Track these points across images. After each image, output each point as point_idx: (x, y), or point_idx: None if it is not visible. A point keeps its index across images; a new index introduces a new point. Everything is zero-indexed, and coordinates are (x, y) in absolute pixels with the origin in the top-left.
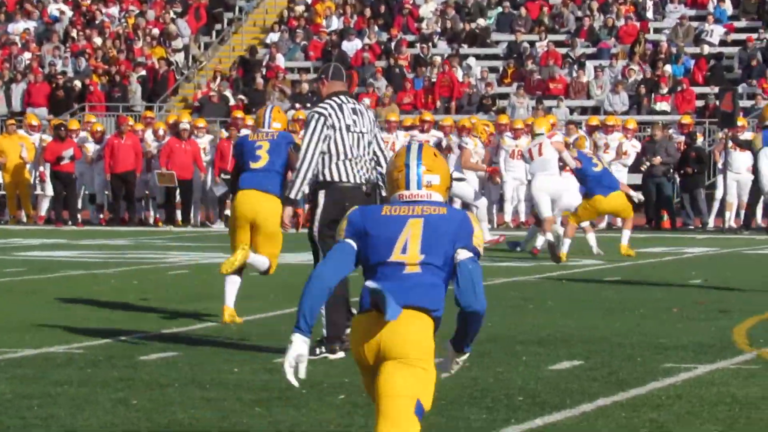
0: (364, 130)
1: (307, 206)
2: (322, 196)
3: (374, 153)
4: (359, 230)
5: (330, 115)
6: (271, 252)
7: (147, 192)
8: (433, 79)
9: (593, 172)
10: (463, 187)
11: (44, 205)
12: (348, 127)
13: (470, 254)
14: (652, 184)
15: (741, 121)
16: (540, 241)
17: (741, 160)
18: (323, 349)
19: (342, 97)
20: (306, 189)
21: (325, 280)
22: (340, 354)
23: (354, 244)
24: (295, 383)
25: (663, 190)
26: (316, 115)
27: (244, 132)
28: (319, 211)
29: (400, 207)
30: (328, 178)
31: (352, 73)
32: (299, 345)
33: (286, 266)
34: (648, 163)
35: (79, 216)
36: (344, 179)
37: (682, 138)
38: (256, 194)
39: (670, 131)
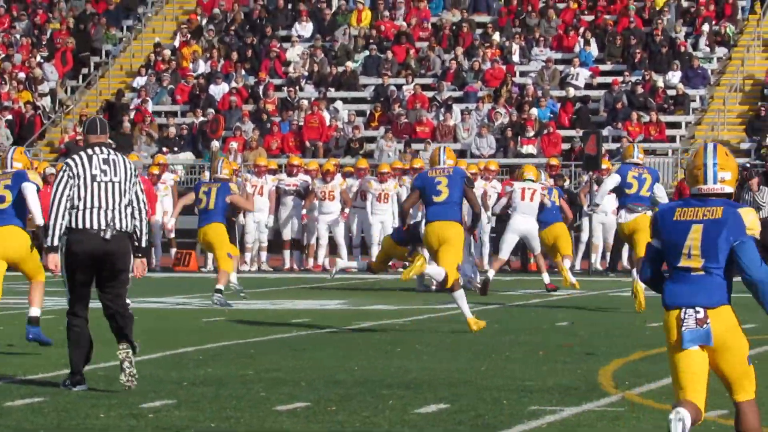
0: (116, 179)
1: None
2: (64, 242)
3: (130, 201)
4: (658, 234)
5: (76, 165)
6: None
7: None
8: (301, 123)
9: None
10: None
11: None
12: (94, 177)
13: (747, 238)
14: None
15: (605, 164)
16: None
17: (606, 202)
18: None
19: (96, 148)
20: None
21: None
22: (82, 387)
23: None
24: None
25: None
26: (64, 166)
27: None
28: (62, 257)
29: (688, 209)
30: (73, 226)
31: (218, 117)
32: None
33: (152, 311)
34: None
35: None
36: (84, 226)
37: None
38: None
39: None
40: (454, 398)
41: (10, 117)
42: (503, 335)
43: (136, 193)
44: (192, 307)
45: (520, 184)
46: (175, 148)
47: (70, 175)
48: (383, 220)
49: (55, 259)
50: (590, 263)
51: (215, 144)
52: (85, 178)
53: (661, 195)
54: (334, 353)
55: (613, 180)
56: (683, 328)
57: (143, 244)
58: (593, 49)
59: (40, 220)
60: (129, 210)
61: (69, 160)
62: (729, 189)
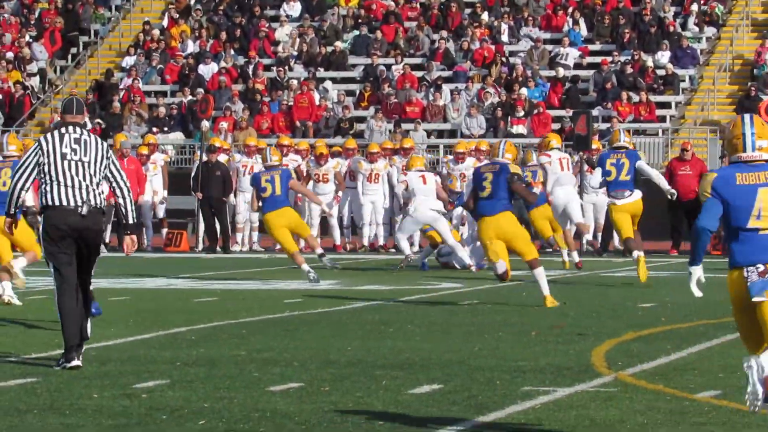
0: (86, 159)
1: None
2: (41, 219)
3: (108, 178)
4: (721, 197)
5: (47, 143)
6: None
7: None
8: (290, 103)
9: None
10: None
11: None
12: (64, 155)
13: None
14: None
15: (595, 144)
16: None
17: (596, 182)
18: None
19: (70, 127)
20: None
21: (706, 227)
22: (76, 362)
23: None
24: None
25: (522, 214)
26: (36, 143)
27: None
28: (41, 232)
29: (748, 174)
30: (49, 203)
31: (208, 97)
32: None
33: (144, 291)
34: None
35: None
36: (60, 203)
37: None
38: None
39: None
40: (447, 379)
41: None
42: (495, 315)
43: (111, 172)
44: (184, 287)
45: (557, 154)
46: (165, 128)
47: (40, 152)
48: (374, 200)
49: (8, 222)
50: (581, 243)
51: (205, 124)
52: (55, 157)
53: (646, 169)
54: (327, 334)
55: (598, 171)
56: (747, 282)
57: (131, 221)
58: (582, 29)
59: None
60: (101, 188)
61: (41, 138)
62: (766, 156)
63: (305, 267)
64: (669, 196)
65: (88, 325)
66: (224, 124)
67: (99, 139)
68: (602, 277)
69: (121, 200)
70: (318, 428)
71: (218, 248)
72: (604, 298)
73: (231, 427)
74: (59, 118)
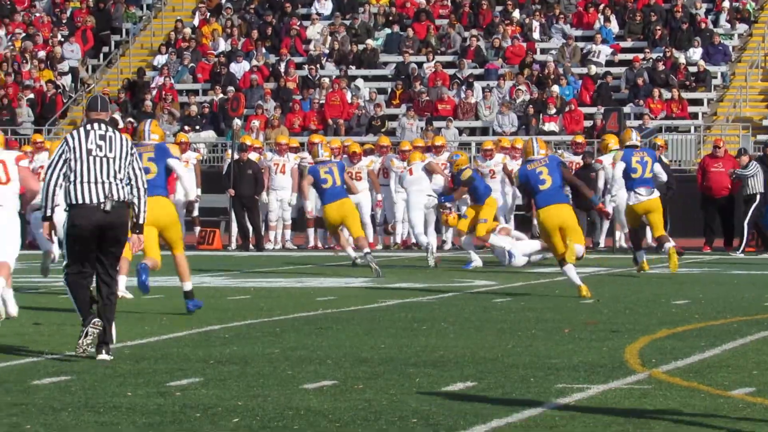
0: (111, 155)
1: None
2: (65, 217)
3: (128, 176)
4: None
5: (73, 139)
6: None
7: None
8: (322, 101)
9: None
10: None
11: None
12: (90, 152)
13: None
14: None
15: None
16: None
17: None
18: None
19: (95, 124)
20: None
21: None
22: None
23: None
24: None
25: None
26: (63, 141)
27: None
28: (62, 230)
29: None
30: (72, 201)
31: (239, 95)
32: None
33: (177, 290)
34: None
35: None
36: (83, 201)
37: (576, 158)
38: None
39: (560, 151)
40: (480, 376)
41: (31, 96)
42: (528, 313)
43: (133, 169)
44: (217, 285)
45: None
46: (197, 127)
47: (66, 149)
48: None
49: (48, 227)
50: (614, 241)
51: (237, 122)
52: (81, 153)
53: (659, 171)
54: (360, 331)
55: (620, 167)
56: None
57: (141, 221)
58: (614, 26)
59: (193, 195)
60: (125, 183)
61: (68, 135)
62: None
63: (353, 254)
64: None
65: (113, 330)
66: (256, 123)
67: (123, 136)
68: (635, 274)
69: (135, 200)
70: (351, 426)
71: (251, 246)
72: (637, 294)
73: (265, 425)
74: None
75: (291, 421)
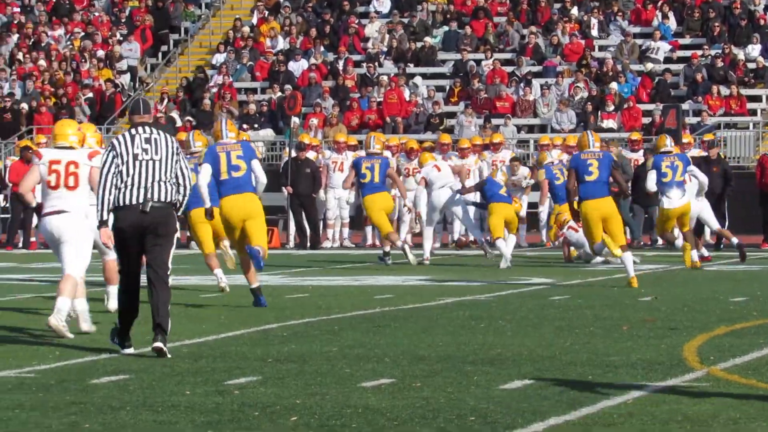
0: (156, 157)
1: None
2: (111, 219)
3: (175, 176)
4: None
5: (119, 145)
6: None
7: None
8: (380, 99)
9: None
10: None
11: None
12: (136, 156)
13: None
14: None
15: (686, 138)
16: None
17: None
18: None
19: (139, 128)
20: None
21: None
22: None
23: None
24: None
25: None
26: (109, 145)
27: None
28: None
29: None
30: (119, 204)
31: (296, 94)
32: None
33: (234, 288)
34: None
35: (32, 239)
36: (123, 203)
37: (634, 155)
38: None
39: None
40: (538, 374)
41: (90, 95)
42: (586, 310)
43: (180, 169)
44: (275, 283)
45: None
46: (255, 125)
47: (115, 154)
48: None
49: (106, 233)
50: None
51: (295, 121)
52: (127, 158)
53: (698, 173)
54: (418, 329)
55: (652, 175)
56: None
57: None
58: (672, 23)
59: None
60: (171, 182)
61: (114, 140)
62: None
63: (401, 245)
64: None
65: (168, 320)
66: (314, 121)
67: (168, 137)
68: (693, 272)
69: (180, 198)
70: (409, 424)
71: (308, 244)
72: (695, 292)
73: (323, 423)
74: (160, 116)
75: (349, 419)
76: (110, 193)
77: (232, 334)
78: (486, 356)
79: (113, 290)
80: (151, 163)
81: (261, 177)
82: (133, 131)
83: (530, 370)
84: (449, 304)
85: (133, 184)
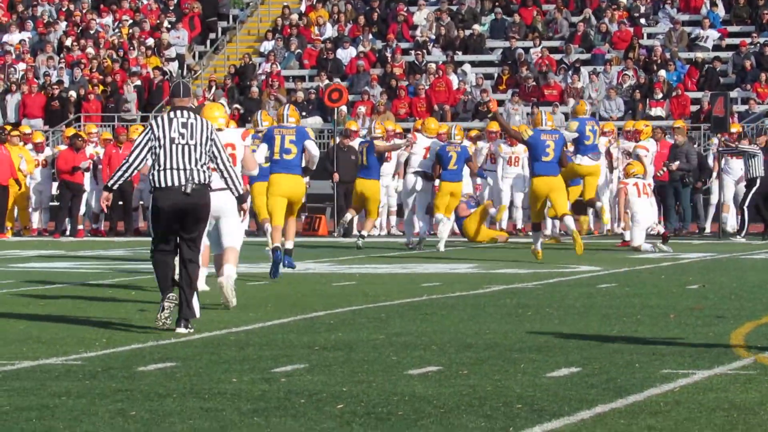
0: (192, 142)
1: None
2: (150, 199)
3: (211, 158)
4: None
5: (158, 127)
6: None
7: (141, 201)
8: (428, 87)
9: None
10: None
11: (35, 218)
12: (173, 140)
13: None
14: (671, 189)
15: (734, 127)
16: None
17: (736, 165)
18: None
19: (177, 111)
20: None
21: None
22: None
23: None
24: None
25: (679, 196)
26: (148, 127)
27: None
28: (149, 212)
29: None
30: (157, 185)
31: (340, 87)
32: None
33: (283, 276)
34: (666, 168)
35: (79, 227)
36: (167, 185)
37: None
38: None
39: (666, 137)
40: (585, 362)
41: (138, 82)
42: (633, 298)
43: (213, 152)
44: (322, 271)
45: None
46: (303, 113)
47: (151, 137)
48: (513, 184)
49: (106, 197)
50: (720, 226)
51: (342, 108)
52: (164, 141)
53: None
54: (465, 317)
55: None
56: None
57: (239, 192)
58: (720, 11)
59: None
60: (207, 166)
61: (152, 122)
62: None
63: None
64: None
65: (196, 303)
66: (362, 109)
67: (205, 121)
68: (741, 260)
69: (226, 176)
70: (456, 411)
71: (355, 232)
72: (742, 280)
73: (369, 411)
74: (167, 102)
75: (396, 406)
76: (136, 169)
77: (278, 322)
78: (533, 344)
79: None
80: (187, 147)
81: (314, 152)
82: (171, 115)
83: (577, 358)
84: (496, 291)
85: (171, 167)
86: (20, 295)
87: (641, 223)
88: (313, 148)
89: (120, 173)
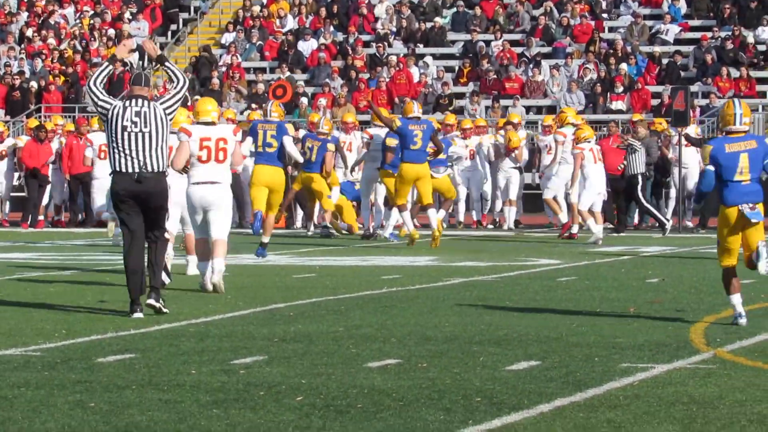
0: (146, 130)
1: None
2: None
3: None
4: (715, 162)
5: (111, 112)
6: None
7: None
8: (389, 79)
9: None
10: None
11: None
12: (125, 128)
13: None
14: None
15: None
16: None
17: (693, 157)
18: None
19: (133, 100)
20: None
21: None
22: (138, 315)
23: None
24: None
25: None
26: (107, 106)
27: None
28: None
29: (733, 144)
30: (114, 168)
31: (284, 83)
32: None
33: (241, 267)
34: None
35: (40, 217)
36: (120, 169)
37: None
38: None
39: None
40: (544, 355)
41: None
42: (593, 292)
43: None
44: (282, 263)
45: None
46: (264, 105)
47: (106, 121)
48: (470, 177)
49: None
50: (680, 220)
51: (303, 101)
52: (116, 127)
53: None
54: (424, 310)
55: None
56: (745, 212)
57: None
58: (682, 5)
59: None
60: (162, 153)
61: (109, 108)
62: (747, 128)
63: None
64: None
65: (165, 275)
66: (323, 101)
67: (159, 110)
68: (701, 253)
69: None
70: (415, 404)
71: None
72: (702, 274)
73: (329, 403)
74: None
75: (355, 399)
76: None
77: (238, 313)
78: (492, 337)
79: (192, 259)
80: (140, 135)
81: (288, 148)
82: (126, 103)
83: (537, 351)
84: (456, 284)
85: (124, 153)
86: None
87: (594, 186)
88: (288, 144)
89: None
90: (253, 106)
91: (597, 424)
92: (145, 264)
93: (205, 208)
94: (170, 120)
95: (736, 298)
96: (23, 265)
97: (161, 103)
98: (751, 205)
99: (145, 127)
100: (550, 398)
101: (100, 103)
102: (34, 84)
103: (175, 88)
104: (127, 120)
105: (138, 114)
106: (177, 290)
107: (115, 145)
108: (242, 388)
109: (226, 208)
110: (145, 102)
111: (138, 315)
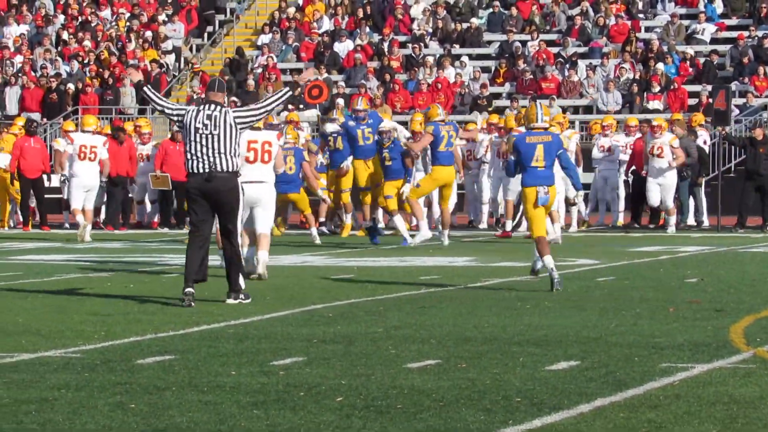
0: (215, 132)
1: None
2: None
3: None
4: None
5: (187, 115)
6: None
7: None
8: (427, 80)
9: None
10: None
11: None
12: (197, 129)
13: (563, 150)
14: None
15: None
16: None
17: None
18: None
19: (207, 105)
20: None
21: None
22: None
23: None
24: None
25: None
26: (183, 111)
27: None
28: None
29: (533, 137)
30: (188, 170)
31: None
32: None
33: (281, 268)
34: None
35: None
36: (190, 171)
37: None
38: None
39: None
40: (584, 355)
41: (141, 77)
42: (632, 292)
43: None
44: (321, 264)
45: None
46: (301, 106)
47: (180, 125)
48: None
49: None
50: (718, 219)
51: (339, 102)
52: (190, 130)
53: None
54: (463, 311)
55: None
56: (539, 195)
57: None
58: (718, 4)
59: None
60: (231, 155)
61: (186, 110)
62: (546, 125)
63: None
64: None
65: (241, 280)
66: (341, 101)
67: (229, 114)
68: (740, 253)
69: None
70: (455, 405)
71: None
72: (742, 273)
73: (368, 404)
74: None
75: (394, 400)
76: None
77: (277, 314)
78: (532, 337)
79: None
80: (210, 137)
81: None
82: (200, 108)
83: (576, 352)
84: (495, 284)
85: (196, 155)
86: (19, 288)
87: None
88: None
89: (155, 97)
90: (290, 107)
91: (637, 425)
92: (223, 262)
93: (252, 204)
94: (240, 130)
95: (548, 260)
96: (61, 267)
97: (235, 112)
98: (545, 189)
99: (215, 129)
100: (590, 398)
101: (174, 112)
102: (71, 86)
103: (257, 107)
104: (199, 122)
105: (209, 117)
106: (215, 291)
107: (188, 147)
108: (282, 389)
109: (270, 205)
110: (218, 107)
111: (189, 289)
